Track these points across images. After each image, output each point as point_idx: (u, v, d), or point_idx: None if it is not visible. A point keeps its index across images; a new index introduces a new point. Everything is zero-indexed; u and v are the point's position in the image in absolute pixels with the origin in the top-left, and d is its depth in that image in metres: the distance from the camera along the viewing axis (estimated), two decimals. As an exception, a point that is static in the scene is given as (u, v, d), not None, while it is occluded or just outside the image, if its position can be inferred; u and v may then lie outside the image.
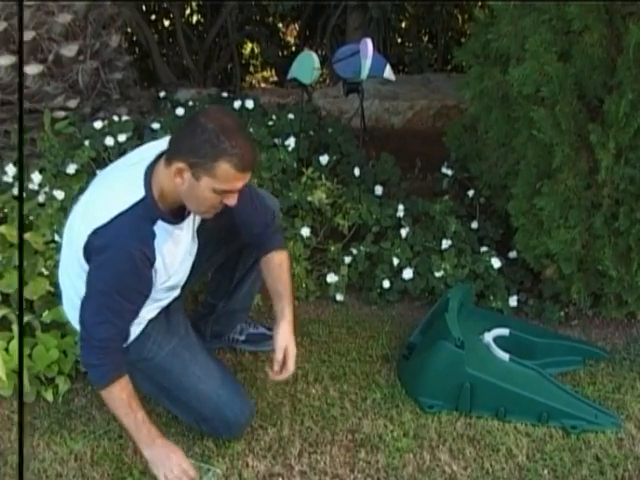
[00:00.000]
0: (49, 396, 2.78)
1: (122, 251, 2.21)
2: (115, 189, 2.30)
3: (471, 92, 3.36)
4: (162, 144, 2.32)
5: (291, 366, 2.51)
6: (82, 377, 2.89)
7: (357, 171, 3.76)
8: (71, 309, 2.50)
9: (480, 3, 5.85)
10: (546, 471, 2.47)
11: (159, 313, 2.55)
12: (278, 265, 2.62)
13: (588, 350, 3.11)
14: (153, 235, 2.26)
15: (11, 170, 3.48)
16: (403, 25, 8.00)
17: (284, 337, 2.52)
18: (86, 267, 2.28)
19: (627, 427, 2.68)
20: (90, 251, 2.24)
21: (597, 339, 3.24)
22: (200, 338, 2.75)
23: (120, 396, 2.31)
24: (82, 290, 2.29)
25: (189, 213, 2.38)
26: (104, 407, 2.73)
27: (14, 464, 2.46)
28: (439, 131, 4.16)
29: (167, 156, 2.22)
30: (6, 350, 2.76)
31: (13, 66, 3.77)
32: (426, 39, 7.97)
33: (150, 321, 2.51)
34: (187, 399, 2.52)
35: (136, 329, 2.46)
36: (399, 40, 7.97)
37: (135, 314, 2.36)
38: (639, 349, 3.16)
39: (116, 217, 2.20)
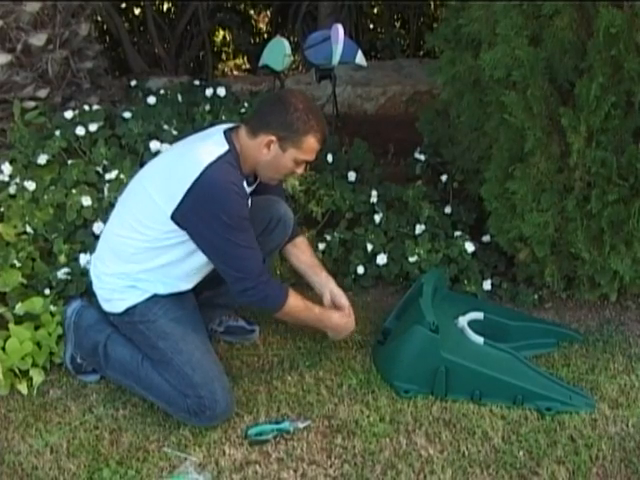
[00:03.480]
0: (24, 389, 2.75)
1: (227, 188, 2.44)
2: (195, 150, 2.51)
3: (443, 77, 3.37)
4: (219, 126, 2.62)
5: (344, 301, 2.90)
6: (57, 369, 2.88)
7: (330, 157, 3.75)
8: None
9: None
10: (521, 453, 2.48)
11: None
12: (308, 246, 3.03)
13: (562, 332, 3.12)
14: (242, 178, 2.55)
15: (7, 168, 3.44)
16: (375, 11, 8.01)
17: (326, 286, 2.92)
18: (165, 229, 2.48)
19: (601, 407, 2.69)
20: (190, 206, 2.42)
21: (571, 321, 3.26)
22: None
23: (297, 303, 2.66)
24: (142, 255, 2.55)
25: (252, 184, 2.69)
26: (79, 398, 2.74)
27: (11, 463, 2.44)
28: (412, 116, 4.18)
29: (253, 129, 2.54)
30: (2, 349, 2.74)
31: (9, 64, 3.73)
32: (398, 25, 7.98)
33: (156, 294, 2.63)
34: (180, 362, 2.53)
35: (144, 295, 2.61)
36: (371, 26, 7.99)
37: None
38: (612, 330, 3.18)
39: (207, 168, 2.42)
